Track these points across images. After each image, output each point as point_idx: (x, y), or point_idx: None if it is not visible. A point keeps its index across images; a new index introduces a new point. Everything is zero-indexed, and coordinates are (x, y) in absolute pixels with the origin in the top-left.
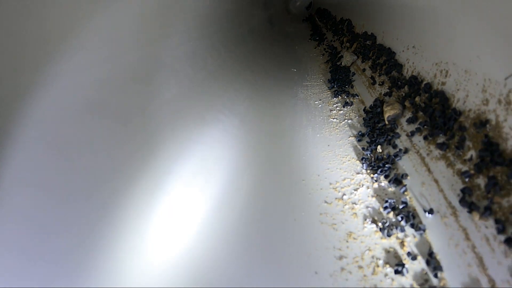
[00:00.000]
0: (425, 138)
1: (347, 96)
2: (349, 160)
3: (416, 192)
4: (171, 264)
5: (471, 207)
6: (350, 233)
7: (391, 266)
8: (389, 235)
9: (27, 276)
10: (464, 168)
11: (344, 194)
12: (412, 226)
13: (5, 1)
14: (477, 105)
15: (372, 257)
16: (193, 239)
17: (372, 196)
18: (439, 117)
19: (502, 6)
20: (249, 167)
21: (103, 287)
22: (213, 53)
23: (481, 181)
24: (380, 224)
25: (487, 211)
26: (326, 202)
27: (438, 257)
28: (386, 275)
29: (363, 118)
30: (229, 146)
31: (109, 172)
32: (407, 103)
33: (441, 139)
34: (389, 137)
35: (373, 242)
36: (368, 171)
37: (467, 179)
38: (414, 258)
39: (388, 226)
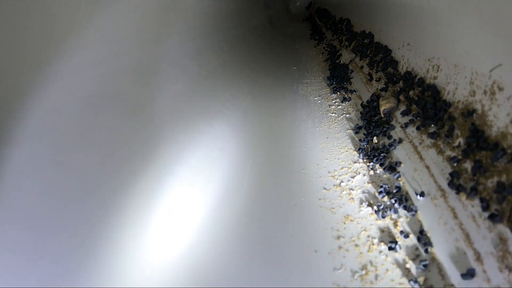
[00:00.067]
0: (417, 128)
1: (345, 92)
2: (346, 151)
3: (409, 178)
4: (171, 264)
5: (458, 189)
6: (347, 215)
7: (385, 243)
8: (383, 217)
9: (27, 276)
10: (453, 154)
11: (341, 181)
12: (405, 208)
13: (5, 1)
14: (465, 96)
15: (368, 236)
16: (194, 237)
17: (368, 183)
18: (431, 109)
19: (487, 5)
20: (252, 157)
21: (103, 287)
22: (215, 51)
23: (468, 165)
24: (375, 207)
25: (473, 192)
26: (325, 188)
27: (429, 234)
28: (380, 252)
29: (360, 112)
30: (233, 137)
31: (110, 172)
32: (401, 97)
33: (432, 129)
34: (384, 128)
35: (369, 223)
36: (365, 160)
37: (455, 164)
38: (406, 236)
39: (382, 208)
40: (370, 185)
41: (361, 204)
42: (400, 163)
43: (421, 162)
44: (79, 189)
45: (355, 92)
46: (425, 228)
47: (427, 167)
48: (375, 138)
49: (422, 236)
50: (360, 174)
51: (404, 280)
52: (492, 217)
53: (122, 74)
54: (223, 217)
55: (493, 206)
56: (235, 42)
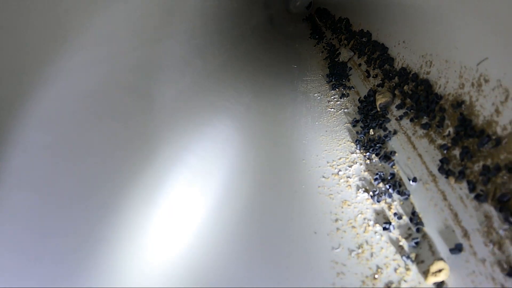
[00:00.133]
0: (411, 120)
1: (344, 89)
2: (344, 143)
3: (403, 165)
4: (171, 264)
5: (448, 173)
6: (344, 201)
7: (380, 225)
8: (378, 201)
9: (27, 276)
10: (443, 142)
11: (339, 170)
12: (398, 192)
13: (5, 1)
14: (455, 89)
15: (364, 219)
16: (194, 235)
17: (365, 171)
18: (423, 101)
19: (474, 4)
20: (254, 148)
21: (103, 287)
22: (217, 49)
23: (456, 152)
24: (371, 192)
25: (461, 175)
26: (323, 177)
27: (420, 215)
28: (375, 232)
29: (358, 107)
30: (236, 129)
31: (110, 172)
32: (396, 92)
33: (424, 120)
34: (380, 121)
35: (365, 207)
36: (361, 150)
37: (445, 151)
38: (399, 217)
39: (378, 193)
40: (366, 173)
41: (358, 190)
42: (395, 152)
43: (414, 151)
44: (79, 189)
45: (353, 88)
46: (417, 209)
47: (420, 155)
48: (371, 130)
49: (414, 217)
50: (357, 163)
51: (398, 257)
52: (478, 197)
53: (123, 73)
54: (227, 203)
55: (479, 187)
56: (236, 42)
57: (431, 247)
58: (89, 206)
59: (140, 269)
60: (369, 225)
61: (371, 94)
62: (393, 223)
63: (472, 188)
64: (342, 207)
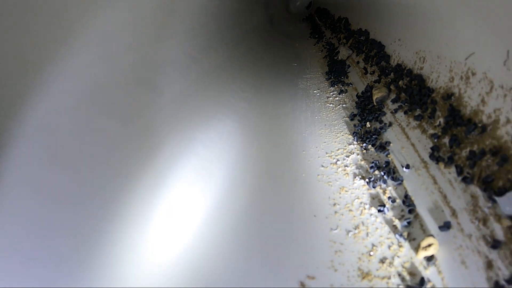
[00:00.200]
0: (405, 113)
1: (342, 85)
2: (342, 135)
3: (397, 154)
4: (171, 264)
5: (438, 160)
6: (342, 187)
7: (375, 208)
8: (374, 187)
9: (28, 276)
10: (434, 132)
11: (338, 160)
12: (393, 178)
13: (5, 2)
14: (445, 82)
15: (360, 203)
16: (195, 233)
17: (361, 160)
18: (417, 95)
19: (463, 4)
20: (256, 140)
21: (103, 287)
22: (220, 48)
23: (446, 140)
24: (367, 179)
25: (449, 161)
26: (322, 166)
27: (412, 198)
28: (371, 214)
29: (356, 102)
30: (239, 123)
31: (110, 172)
32: (392, 87)
33: (417, 112)
34: (376, 115)
35: (361, 192)
36: (358, 142)
37: (435, 140)
38: (393, 200)
39: (373, 180)
40: (363, 162)
41: (355, 177)
42: (390, 142)
43: (407, 141)
44: (80, 189)
45: (351, 84)
46: (409, 193)
47: (413, 144)
48: (368, 123)
49: (406, 200)
50: (354, 153)
51: (391, 235)
52: (465, 180)
53: (124, 72)
54: (232, 191)
55: (466, 171)
56: (237, 41)
57: (422, 226)
58: (90, 207)
59: (140, 269)
60: (365, 208)
61: (368, 89)
62: (387, 206)
63: (459, 172)
64: (340, 193)
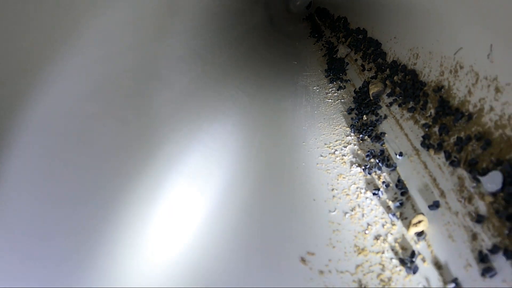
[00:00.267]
0: (399, 105)
1: (341, 82)
2: (340, 128)
3: (391, 143)
4: (171, 264)
5: (428, 147)
6: (340, 174)
7: (370, 192)
8: (370, 173)
9: (28, 276)
10: (425, 122)
11: (336, 150)
12: (387, 165)
13: (4, 3)
14: (436, 76)
15: (357, 188)
16: (195, 233)
17: (358, 150)
18: (410, 89)
19: (452, 4)
20: (258, 133)
21: (103, 287)
22: (221, 47)
23: (436, 129)
24: (363, 167)
25: (439, 147)
26: (321, 156)
27: (405, 182)
28: (366, 198)
29: (353, 97)
30: (242, 116)
31: (110, 172)
32: (387, 82)
33: (410, 104)
34: (372, 108)
35: (358, 178)
36: (356, 133)
37: (426, 129)
38: (387, 185)
39: (369, 167)
40: (359, 151)
41: (352, 165)
42: (385, 133)
43: (401, 131)
44: (80, 190)
45: (350, 81)
46: (402, 178)
47: (406, 134)
48: (364, 116)
49: (399, 184)
50: (351, 144)
51: (385, 216)
52: (452, 163)
53: (125, 72)
54: (237, 179)
55: (453, 155)
56: (238, 40)
57: (413, 206)
58: (90, 207)
59: (140, 269)
60: (361, 193)
61: (365, 85)
62: (381, 190)
63: (448, 157)
64: (337, 179)
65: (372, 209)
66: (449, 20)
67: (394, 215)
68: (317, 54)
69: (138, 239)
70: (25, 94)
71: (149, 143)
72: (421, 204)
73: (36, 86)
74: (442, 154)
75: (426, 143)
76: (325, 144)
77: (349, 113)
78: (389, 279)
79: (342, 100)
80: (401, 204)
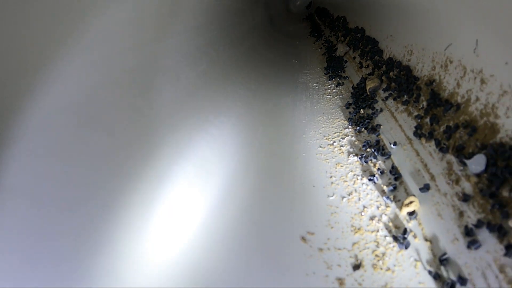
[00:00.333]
0: (394, 99)
1: (339, 79)
2: (339, 121)
3: (386, 134)
4: (171, 264)
5: (420, 136)
6: (338, 163)
7: (366, 178)
8: (366, 162)
9: (29, 277)
10: (418, 113)
11: (334, 142)
12: (382, 154)
13: (4, 3)
14: (428, 71)
15: (354, 175)
16: (195, 233)
17: (355, 141)
18: (404, 83)
19: (443, 4)
20: (261, 126)
21: (103, 287)
22: (225, 45)
23: (427, 119)
24: (360, 156)
25: (430, 136)
26: (320, 147)
27: (398, 168)
28: (363, 183)
29: (351, 93)
30: (245, 110)
31: (110, 172)
32: (384, 78)
33: (405, 98)
34: (369, 103)
35: (355, 167)
36: (353, 126)
37: (419, 120)
38: (382, 172)
39: (365, 156)
40: (356, 142)
41: (349, 155)
42: (380, 125)
43: (395, 123)
44: (80, 190)
45: (348, 78)
46: (396, 164)
47: (400, 126)
48: (361, 110)
49: (393, 170)
50: (349, 136)
51: (380, 198)
52: (442, 149)
53: (126, 71)
54: (241, 169)
55: (443, 142)
56: (239, 40)
57: (405, 189)
58: (90, 207)
59: (140, 269)
60: (357, 179)
61: (362, 81)
62: (376, 176)
63: (438, 144)
64: (336, 168)
65: (367, 193)
66: (440, 18)
67: (388, 198)
68: (316, 53)
69: (138, 239)
70: (25, 94)
71: (150, 142)
72: (413, 187)
73: (36, 86)
74: (432, 142)
75: (418, 133)
76: (324, 136)
77: (347, 108)
78: (383, 254)
79: (341, 96)
80: (395, 188)
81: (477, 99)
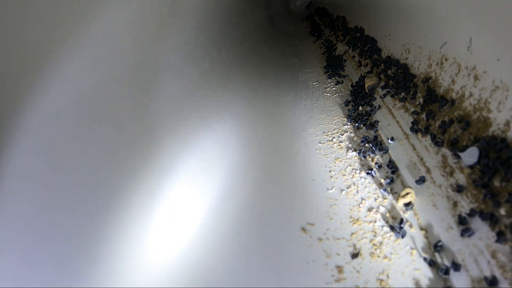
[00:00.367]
0: (392, 96)
1: (339, 77)
2: (338, 118)
3: (384, 130)
4: (171, 264)
5: (416, 131)
6: (337, 158)
7: (364, 171)
8: (364, 157)
9: (28, 276)
10: (415, 109)
11: (333, 138)
12: (380, 149)
13: (4, 3)
14: (425, 69)
15: (352, 169)
16: (195, 233)
17: (354, 137)
18: (402, 81)
19: (438, 4)
20: (262, 123)
21: (103, 287)
22: (226, 44)
23: (423, 115)
24: (358, 151)
25: (425, 131)
26: (320, 142)
27: (395, 162)
28: (361, 177)
29: (350, 91)
30: (247, 107)
31: (111, 172)
32: (382, 76)
33: (402, 95)
34: (368, 100)
35: (353, 161)
36: (352, 123)
37: (415, 116)
38: (380, 166)
39: (363, 151)
40: (355, 138)
41: (348, 150)
42: (378, 121)
43: (393, 119)
44: (80, 191)
45: (347, 76)
46: (393, 158)
47: (397, 122)
48: (360, 107)
49: (390, 164)
50: (348, 132)
51: (377, 191)
52: (437, 143)
53: (127, 71)
54: (243, 162)
55: (438, 137)
56: (241, 39)
57: (402, 182)
58: (90, 207)
59: (140, 269)
60: (356, 173)
61: (361, 79)
62: (374, 170)
63: (433, 138)
64: (335, 162)
65: (365, 186)
66: (436, 17)
67: (385, 190)
68: (316, 52)
69: (138, 239)
70: (25, 94)
71: (152, 141)
72: (409, 180)
73: (36, 86)
74: (428, 137)
75: (414, 128)
76: (324, 132)
77: (346, 105)
78: (381, 243)
79: (340, 94)
80: (392, 180)
81: (471, 94)
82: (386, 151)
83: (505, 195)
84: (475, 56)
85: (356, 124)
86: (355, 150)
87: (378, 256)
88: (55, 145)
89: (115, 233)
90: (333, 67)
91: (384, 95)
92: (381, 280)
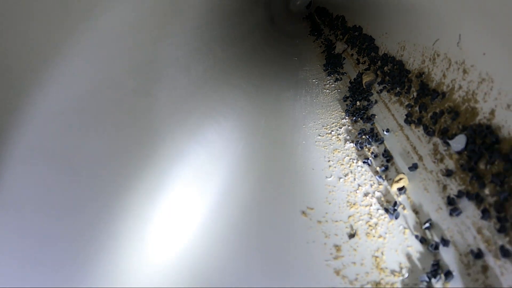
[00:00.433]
0: (388, 91)
1: (338, 75)
2: (336, 113)
3: (380, 122)
4: (171, 264)
5: (410, 123)
6: (335, 149)
7: (361, 161)
8: (361, 148)
9: (28, 277)
10: (409, 102)
11: (332, 131)
12: (376, 140)
13: (4, 3)
14: (418, 64)
15: (350, 159)
16: (195, 232)
17: (352, 130)
18: (397, 76)
19: (433, 3)
20: (264, 116)
21: (103, 287)
22: (228, 42)
23: (417, 108)
24: (355, 142)
25: (418, 122)
26: (319, 135)
27: (390, 151)
28: (358, 166)
29: (348, 87)
30: (249, 102)
31: (111, 172)
32: (379, 72)
33: (397, 90)
34: (365, 95)
35: (351, 152)
36: (350, 116)
37: (409, 108)
38: (375, 155)
39: (360, 142)
40: (353, 131)
41: (346, 142)
42: (375, 115)
43: (389, 113)
44: (80, 191)
45: (346, 73)
46: (388, 148)
47: (392, 115)
48: (358, 102)
49: (385, 153)
50: (346, 125)
51: (373, 178)
52: (429, 133)
53: (127, 71)
54: (246, 155)
55: (430, 127)
56: (241, 39)
57: (396, 169)
58: (90, 208)
59: (140, 269)
60: (353, 162)
61: (359, 76)
62: (370, 159)
63: (425, 128)
64: (333, 153)
65: (362, 174)
66: (429, 16)
67: (380, 177)
68: (316, 51)
69: (138, 239)
70: (25, 95)
71: (154, 139)
72: (403, 167)
73: (36, 86)
74: (421, 127)
75: (408, 120)
76: (323, 126)
77: (345, 101)
78: (376, 224)
79: (339, 90)
80: (386, 168)
81: (460, 87)
82: (382, 142)
83: (489, 177)
84: (464, 51)
85: (354, 118)
86: (352, 141)
87: (374, 236)
88: (55, 146)
89: (116, 233)
90: (333, 65)
91: (381, 90)
92: (376, 257)
